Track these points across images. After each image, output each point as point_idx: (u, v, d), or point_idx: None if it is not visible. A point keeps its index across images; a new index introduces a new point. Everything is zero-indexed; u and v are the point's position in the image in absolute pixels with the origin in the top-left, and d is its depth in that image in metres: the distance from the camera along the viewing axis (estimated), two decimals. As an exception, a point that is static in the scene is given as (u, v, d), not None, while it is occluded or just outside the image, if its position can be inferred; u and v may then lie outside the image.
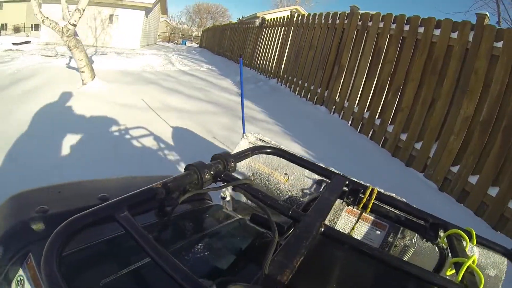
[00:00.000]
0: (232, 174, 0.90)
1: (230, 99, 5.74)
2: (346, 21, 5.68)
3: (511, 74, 3.25)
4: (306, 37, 7.01)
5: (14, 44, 17.65)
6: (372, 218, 1.28)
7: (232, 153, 1.01)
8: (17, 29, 34.53)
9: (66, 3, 5.58)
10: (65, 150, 3.15)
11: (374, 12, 5.16)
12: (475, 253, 1.27)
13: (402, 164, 4.08)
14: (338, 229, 1.12)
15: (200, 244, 0.79)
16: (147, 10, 18.20)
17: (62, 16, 5.48)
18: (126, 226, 0.60)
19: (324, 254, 0.85)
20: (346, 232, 1.28)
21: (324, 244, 0.86)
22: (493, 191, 3.13)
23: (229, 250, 0.84)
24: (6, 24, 34.58)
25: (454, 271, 0.80)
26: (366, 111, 4.89)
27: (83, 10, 5.04)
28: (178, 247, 0.75)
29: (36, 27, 36.13)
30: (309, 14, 7.09)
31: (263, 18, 10.02)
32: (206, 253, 0.77)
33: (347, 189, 1.10)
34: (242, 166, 1.63)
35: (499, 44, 3.35)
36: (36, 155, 2.92)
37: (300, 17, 7.55)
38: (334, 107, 5.64)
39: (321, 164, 1.28)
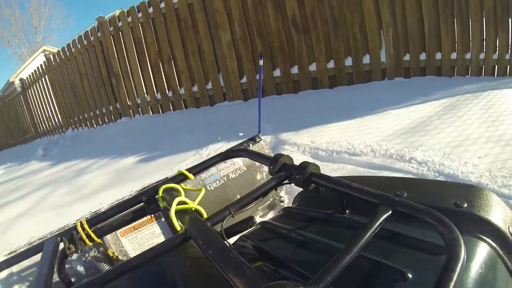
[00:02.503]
0: None
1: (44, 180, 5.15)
2: (99, 34, 5.77)
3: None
4: (72, 69, 6.84)
5: None
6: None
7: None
8: None
9: None
10: None
11: (118, 12, 5.41)
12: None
13: (208, 107, 4.70)
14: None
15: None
16: None
17: None
18: None
19: None
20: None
21: None
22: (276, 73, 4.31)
23: None
24: None
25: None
26: (157, 93, 5.18)
27: None
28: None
29: None
30: (63, 48, 6.92)
31: (21, 79, 9.17)
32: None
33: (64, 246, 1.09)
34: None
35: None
36: None
37: (56, 55, 7.28)
38: (131, 110, 5.71)
39: (31, 246, 1.27)
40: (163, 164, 3.20)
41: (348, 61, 3.88)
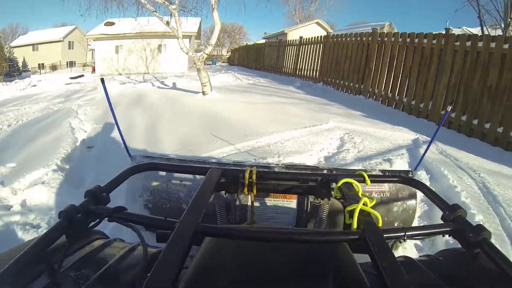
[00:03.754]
0: (107, 206, 0.92)
1: (302, 97, 9.49)
2: (370, 38, 9.22)
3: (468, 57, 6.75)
4: (342, 50, 10.63)
5: (71, 78, 21.87)
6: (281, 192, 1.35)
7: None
8: (53, 67, 39.51)
9: (182, 38, 9.16)
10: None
11: (388, 32, 8.74)
12: (373, 192, 1.62)
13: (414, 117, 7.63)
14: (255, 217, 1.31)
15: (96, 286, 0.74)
16: (191, 38, 22.76)
17: (179, 47, 9.04)
18: None
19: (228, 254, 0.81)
20: (250, 217, 1.40)
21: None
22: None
23: (125, 283, 0.80)
24: (43, 64, 39.81)
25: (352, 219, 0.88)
26: (389, 92, 8.42)
27: (213, 44, 8.89)
28: None
29: (71, 64, 41.48)
30: (341, 34, 10.75)
31: (301, 37, 13.75)
32: None
33: (224, 180, 1.17)
34: (137, 189, 1.74)
35: (457, 43, 6.77)
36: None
37: (335, 36, 11.18)
38: (368, 94, 9.25)
39: (198, 164, 1.46)
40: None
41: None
